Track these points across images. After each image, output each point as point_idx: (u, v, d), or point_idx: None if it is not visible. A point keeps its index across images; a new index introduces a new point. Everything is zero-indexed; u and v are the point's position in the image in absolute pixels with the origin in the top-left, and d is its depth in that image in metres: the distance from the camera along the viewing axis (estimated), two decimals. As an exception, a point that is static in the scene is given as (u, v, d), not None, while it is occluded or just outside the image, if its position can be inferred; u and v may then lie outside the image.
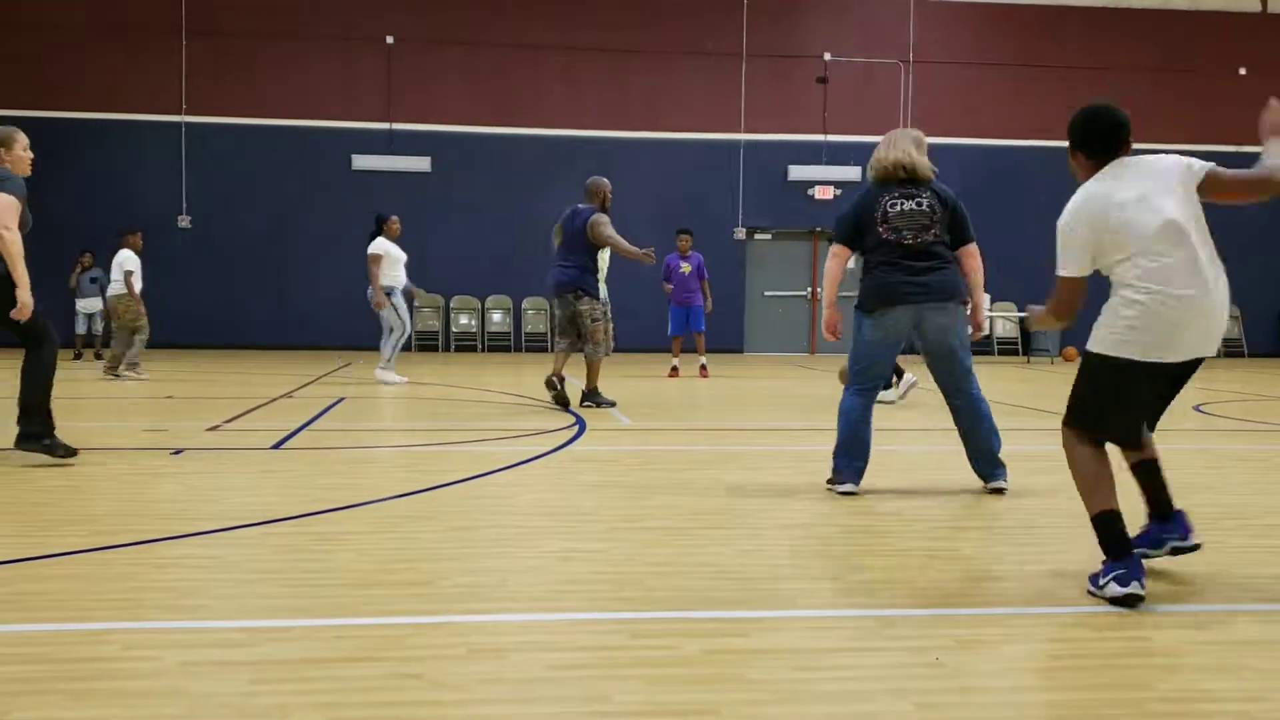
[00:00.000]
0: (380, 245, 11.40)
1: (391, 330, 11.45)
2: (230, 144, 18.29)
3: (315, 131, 18.54)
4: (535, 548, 4.05)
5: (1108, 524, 3.41)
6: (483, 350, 19.14)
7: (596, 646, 2.93)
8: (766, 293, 19.80)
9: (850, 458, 5.19)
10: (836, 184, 19.45)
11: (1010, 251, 20.39)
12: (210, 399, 9.88)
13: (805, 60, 19.49)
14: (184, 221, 18.09)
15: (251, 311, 18.04)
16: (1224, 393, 11.93)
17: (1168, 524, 3.69)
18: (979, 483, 5.36)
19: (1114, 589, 3.29)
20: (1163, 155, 3.59)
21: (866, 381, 5.31)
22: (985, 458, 5.30)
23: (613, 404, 9.14)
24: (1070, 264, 3.56)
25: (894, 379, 9.32)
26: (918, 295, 5.10)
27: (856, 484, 5.18)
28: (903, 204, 5.20)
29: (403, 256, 11.52)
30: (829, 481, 5.27)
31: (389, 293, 11.35)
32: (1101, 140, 3.60)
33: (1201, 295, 3.38)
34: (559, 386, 8.91)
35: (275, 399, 9.68)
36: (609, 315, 9.48)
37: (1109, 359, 3.45)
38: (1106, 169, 3.56)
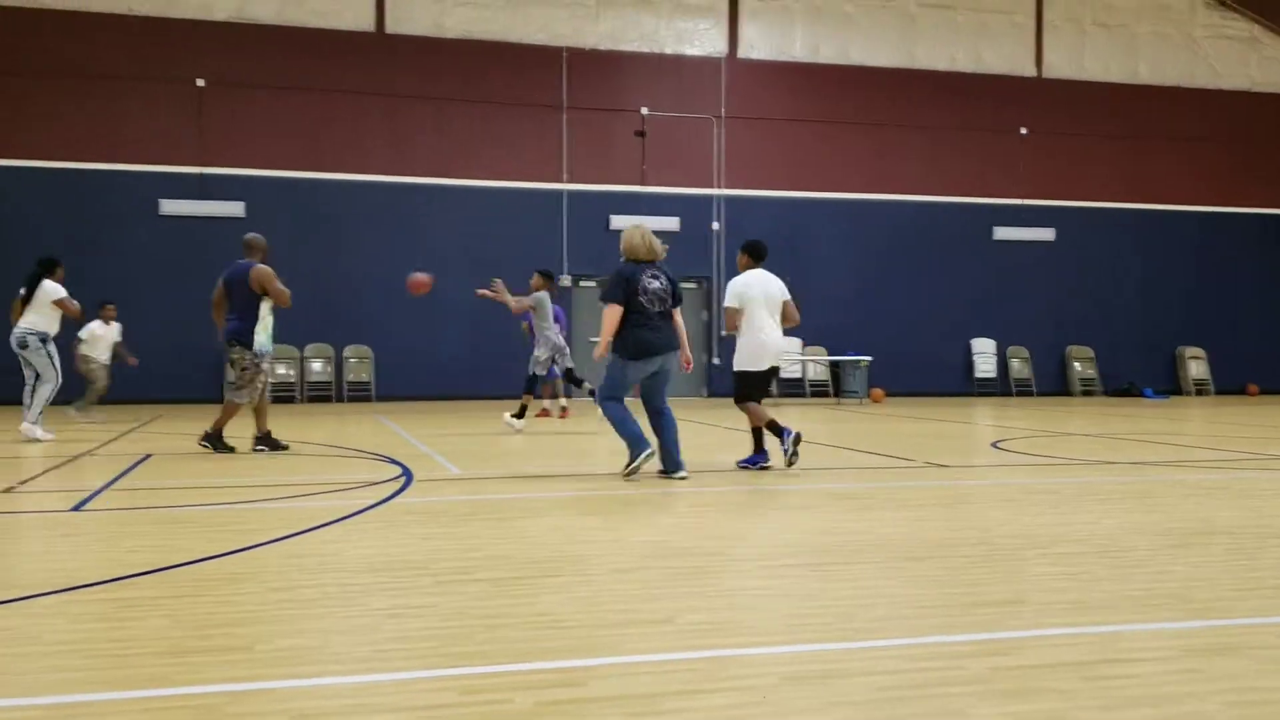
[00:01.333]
0: (58, 290, 10.86)
1: (30, 377, 10.77)
2: (24, 187, 17.24)
3: (120, 175, 17.70)
4: (362, 606, 3.94)
5: None
6: (302, 400, 18.55)
7: (426, 706, 2.88)
8: (592, 338, 19.93)
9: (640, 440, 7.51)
10: (656, 233, 19.84)
11: (811, 298, 21.35)
12: (5, 459, 9.20)
13: (624, 114, 19.94)
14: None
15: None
16: (1017, 429, 12.75)
17: None
18: (800, 522, 5.54)
19: None
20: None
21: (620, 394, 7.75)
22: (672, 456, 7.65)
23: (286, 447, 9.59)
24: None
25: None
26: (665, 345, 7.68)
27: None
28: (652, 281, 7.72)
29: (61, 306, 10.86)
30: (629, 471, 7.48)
31: (43, 340, 10.71)
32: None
33: None
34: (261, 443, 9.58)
35: (76, 457, 9.10)
36: (261, 365, 9.77)
37: None
38: None
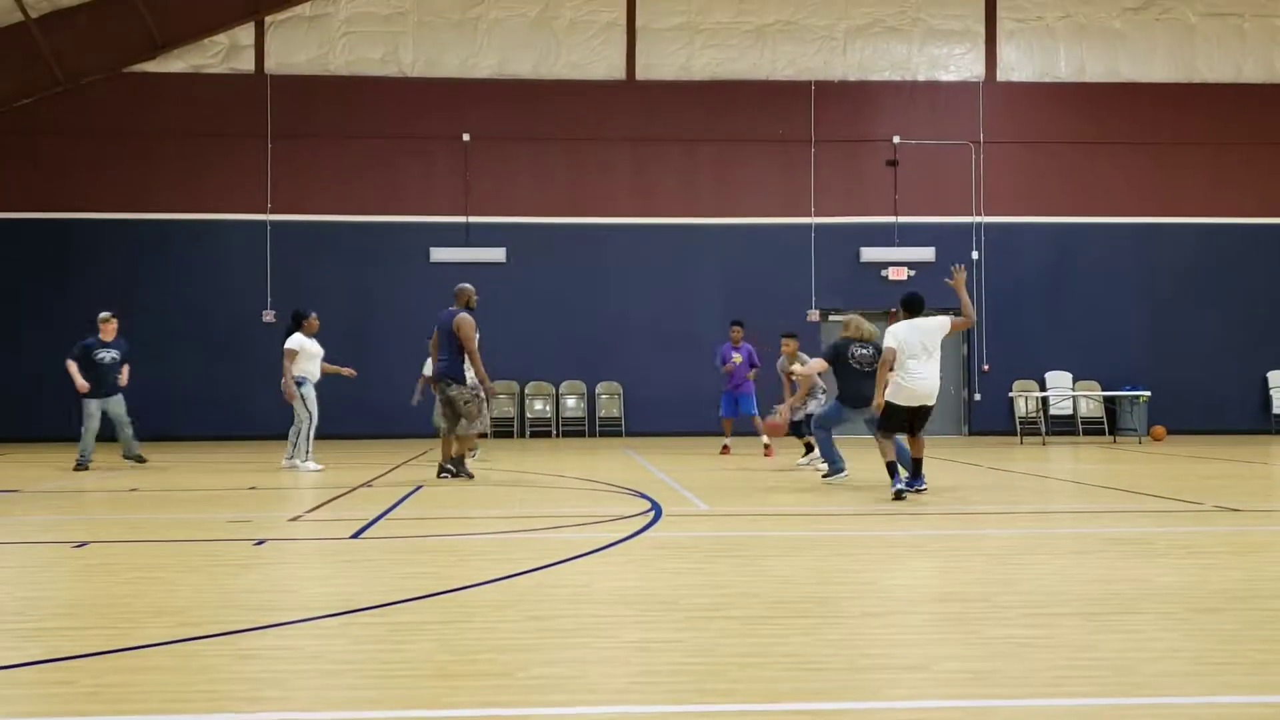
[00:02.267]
0: (296, 340, 11.80)
1: (300, 421, 11.78)
2: (313, 240, 18.89)
3: (396, 227, 19.09)
4: (613, 638, 4.00)
5: None
6: (557, 435, 19.23)
7: (679, 740, 2.87)
8: (827, 373, 19.64)
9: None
10: (910, 264, 19.38)
11: (1083, 329, 20.08)
12: (292, 489, 10.03)
13: (874, 144, 19.60)
14: (268, 316, 18.63)
15: (333, 402, 18.29)
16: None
17: None
18: (1072, 569, 5.19)
19: None
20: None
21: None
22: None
23: (471, 476, 10.35)
24: None
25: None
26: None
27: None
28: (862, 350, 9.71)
29: (319, 352, 11.97)
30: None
31: (299, 383, 11.70)
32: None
33: None
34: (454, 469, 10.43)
35: (355, 488, 9.80)
36: (480, 395, 10.49)
37: None
38: None
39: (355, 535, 6.77)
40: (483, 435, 11.01)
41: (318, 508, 8.28)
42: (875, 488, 9.62)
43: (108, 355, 12.15)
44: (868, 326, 9.89)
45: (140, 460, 12.28)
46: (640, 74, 19.54)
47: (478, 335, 10.51)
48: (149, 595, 4.85)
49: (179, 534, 6.75)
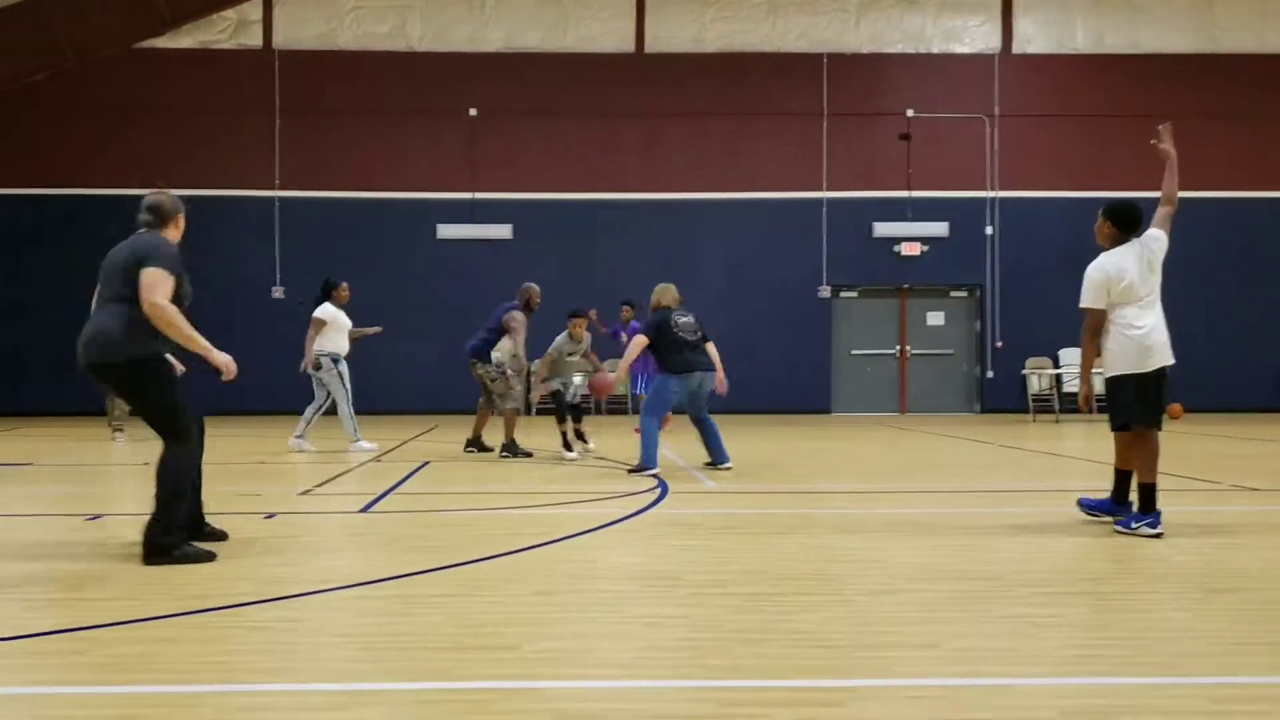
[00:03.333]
0: (325, 311, 11.26)
1: (321, 397, 11.20)
2: (321, 216, 18.85)
3: (403, 203, 19.03)
4: (619, 613, 4.00)
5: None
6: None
7: (683, 715, 2.87)
8: (854, 351, 19.58)
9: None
10: (923, 240, 19.27)
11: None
12: (301, 464, 10.05)
13: (888, 117, 19.44)
14: (277, 292, 18.62)
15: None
16: None
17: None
18: (1086, 548, 5.16)
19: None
20: None
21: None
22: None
23: (529, 454, 10.54)
24: None
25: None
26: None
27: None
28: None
29: (348, 324, 11.41)
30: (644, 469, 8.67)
31: (335, 360, 11.15)
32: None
33: None
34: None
35: (363, 463, 9.82)
36: (506, 374, 10.84)
37: None
38: None
39: (364, 509, 6.78)
40: (517, 411, 11.13)
41: (327, 482, 8.29)
42: (896, 471, 9.60)
43: None
44: (675, 292, 9.80)
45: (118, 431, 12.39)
46: (650, 46, 19.40)
47: (524, 334, 10.95)
48: (160, 567, 4.85)
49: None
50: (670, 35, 19.41)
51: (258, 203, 18.81)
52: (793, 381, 19.04)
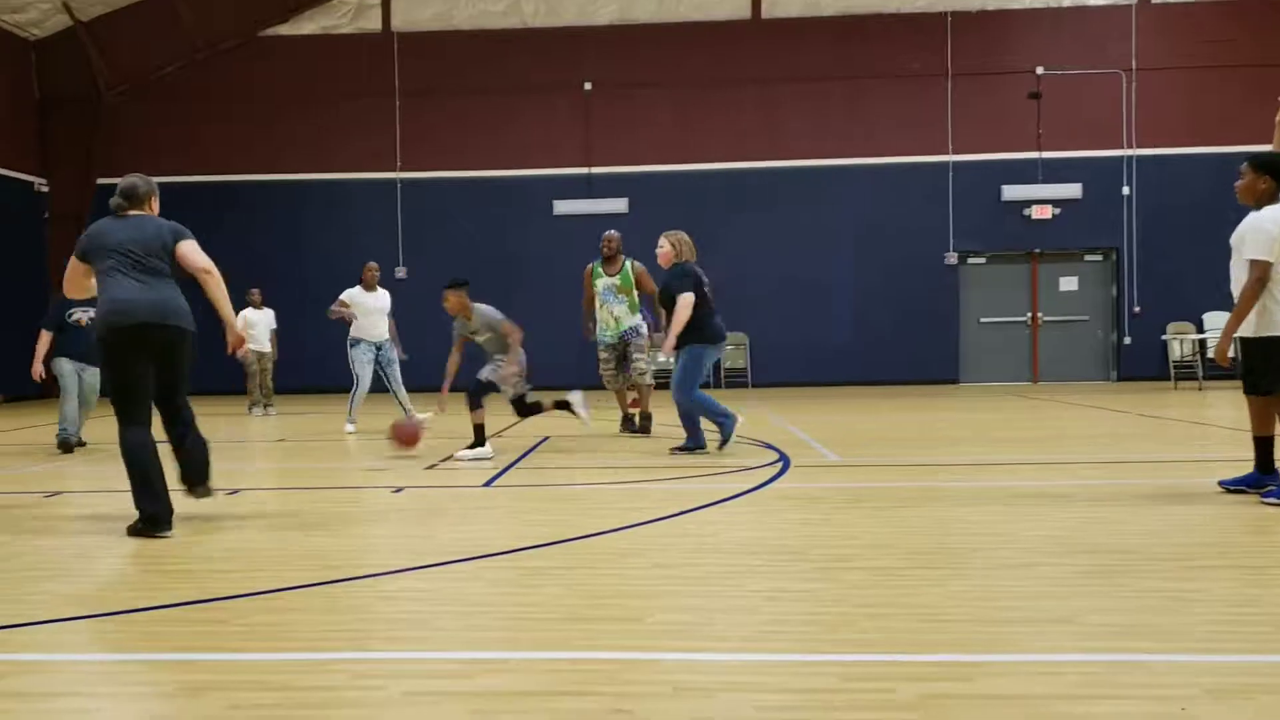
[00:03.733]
0: (347, 294, 11.07)
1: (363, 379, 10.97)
2: (440, 196, 19.21)
3: (520, 180, 19.24)
4: (740, 587, 3.98)
5: None
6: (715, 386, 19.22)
7: (807, 689, 2.84)
8: (983, 319, 19.06)
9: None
10: (1055, 202, 18.60)
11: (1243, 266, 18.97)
12: (427, 439, 10.27)
13: (1016, 75, 18.76)
14: (401, 272, 19.10)
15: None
16: None
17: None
18: (1189, 514, 4.93)
19: None
20: None
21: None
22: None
23: (636, 431, 10.09)
24: None
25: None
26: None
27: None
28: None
29: (378, 306, 11.04)
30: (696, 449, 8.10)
31: (352, 344, 10.96)
32: None
33: None
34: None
35: (487, 438, 9.98)
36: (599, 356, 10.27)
37: None
38: None
39: (487, 484, 6.92)
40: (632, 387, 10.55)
41: (451, 457, 8.47)
42: (1027, 441, 9.35)
43: (84, 315, 9.52)
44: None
45: (77, 445, 9.49)
46: (766, 12, 19.13)
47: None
48: (296, 540, 5.04)
49: (322, 481, 7.01)
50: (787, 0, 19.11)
51: (380, 185, 19.27)
52: (919, 351, 18.67)
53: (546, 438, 10.03)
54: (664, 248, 8.57)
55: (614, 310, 10.17)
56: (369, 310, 10.96)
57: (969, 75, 18.76)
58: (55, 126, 18.96)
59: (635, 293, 10.13)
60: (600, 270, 10.25)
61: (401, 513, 5.89)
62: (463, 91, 19.16)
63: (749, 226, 19.05)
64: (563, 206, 19.12)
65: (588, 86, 19.08)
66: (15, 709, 2.78)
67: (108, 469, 7.76)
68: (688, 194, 19.03)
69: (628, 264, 10.23)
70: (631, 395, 10.47)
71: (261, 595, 3.92)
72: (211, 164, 19.09)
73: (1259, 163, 5.67)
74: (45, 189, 18.71)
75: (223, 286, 5.43)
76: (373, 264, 11.42)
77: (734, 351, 19.23)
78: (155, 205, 5.78)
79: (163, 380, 5.40)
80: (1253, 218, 5.59)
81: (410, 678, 2.96)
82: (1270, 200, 5.61)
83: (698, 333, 8.09)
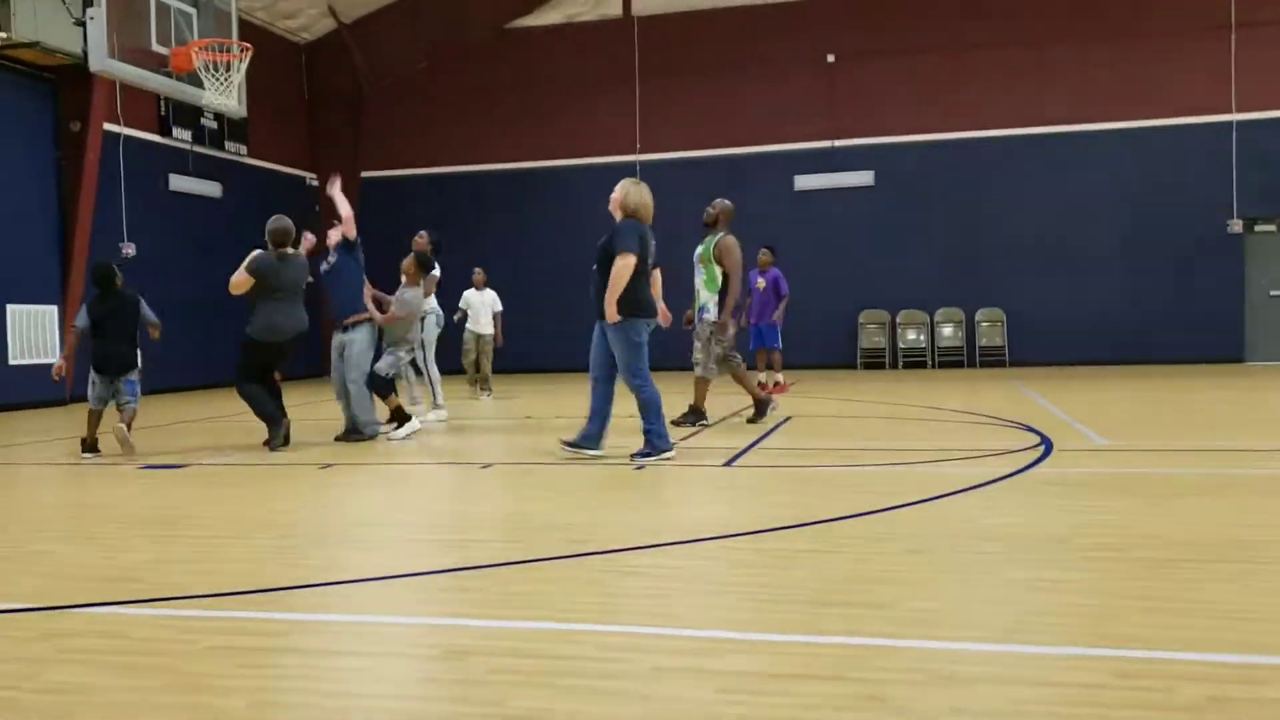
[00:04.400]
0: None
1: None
2: (679, 175, 19.32)
3: (760, 157, 19.10)
4: (1000, 575, 3.77)
5: None
6: (933, 366, 18.60)
7: (1072, 684, 2.64)
8: (1273, 293, 17.34)
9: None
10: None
11: None
12: (671, 416, 10.38)
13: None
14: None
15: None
16: None
17: None
18: None
19: None
20: None
21: None
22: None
23: (705, 424, 9.12)
24: None
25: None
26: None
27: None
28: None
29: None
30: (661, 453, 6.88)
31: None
32: None
33: None
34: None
35: (725, 418, 10.01)
36: (713, 337, 9.06)
37: None
38: None
39: (728, 463, 6.90)
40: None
41: (690, 436, 8.52)
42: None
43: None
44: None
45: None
46: (1025, -31, 18.13)
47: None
48: (545, 512, 5.20)
49: (565, 457, 7.20)
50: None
51: (619, 168, 19.62)
52: (1197, 327, 17.27)
53: (789, 417, 9.93)
54: (615, 194, 7.11)
55: (695, 282, 9.26)
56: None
57: (1256, 26, 17.06)
58: (322, 124, 20.46)
59: (715, 266, 9.07)
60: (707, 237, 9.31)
61: (644, 489, 5.97)
62: (701, 71, 19.23)
63: (1003, 196, 18.16)
64: (804, 181, 18.84)
65: (830, 59, 18.68)
66: (297, 664, 2.99)
67: (371, 450, 8.31)
68: (938, 165, 18.35)
69: (719, 236, 9.14)
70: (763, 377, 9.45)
71: (516, 565, 4.06)
72: (461, 155, 20.05)
73: None
74: (314, 183, 20.25)
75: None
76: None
77: (990, 328, 18.40)
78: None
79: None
80: None
81: (656, 653, 2.97)
82: None
83: (633, 303, 6.81)
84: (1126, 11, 17.59)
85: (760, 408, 9.39)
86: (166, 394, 14.93)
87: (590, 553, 4.25)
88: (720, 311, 8.96)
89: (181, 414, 11.88)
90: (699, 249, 9.31)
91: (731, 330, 9.00)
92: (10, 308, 13.31)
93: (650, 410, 6.94)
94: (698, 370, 9.16)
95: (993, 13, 18.10)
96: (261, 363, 8.29)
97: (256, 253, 8.25)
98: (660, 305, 7.52)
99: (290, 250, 8.35)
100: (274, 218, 8.39)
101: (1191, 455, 6.89)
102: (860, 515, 4.91)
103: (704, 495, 5.76)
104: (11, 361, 13.26)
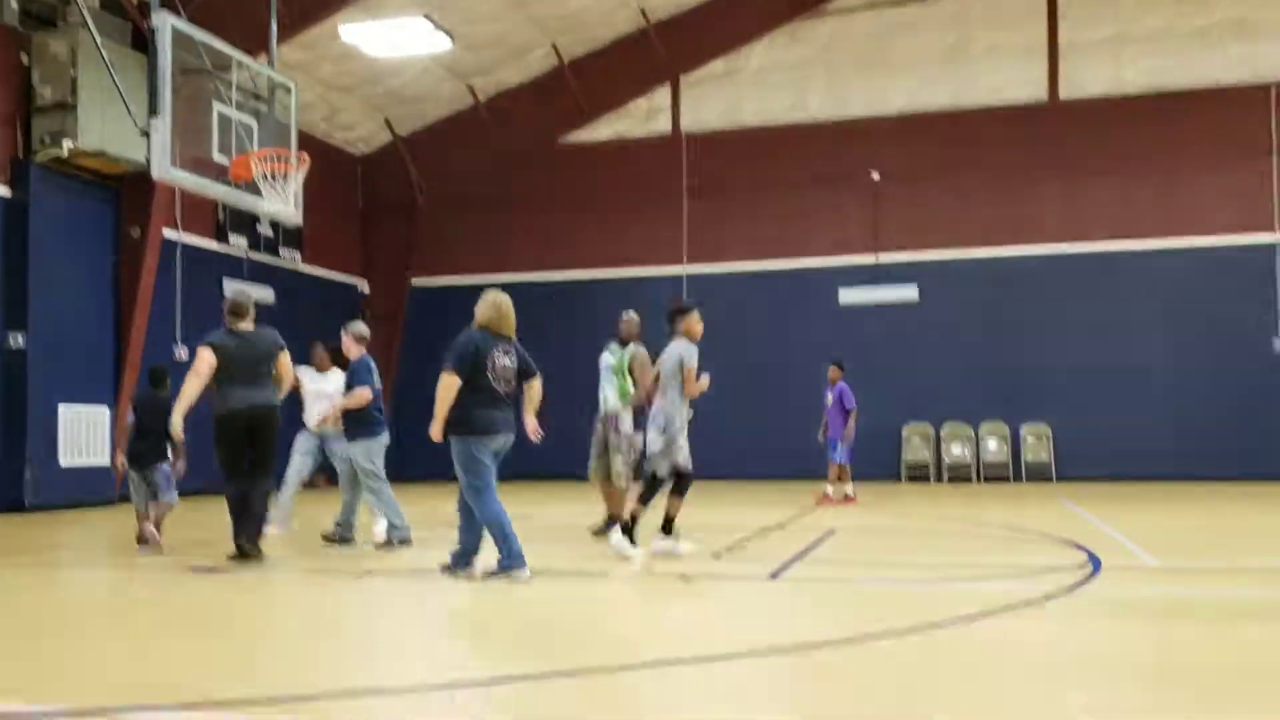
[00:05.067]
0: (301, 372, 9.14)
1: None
2: (725, 288, 19.46)
3: (804, 271, 19.21)
4: (1052, 699, 3.63)
5: None
6: (977, 480, 18.30)
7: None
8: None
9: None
10: None
11: None
12: (709, 525, 10.26)
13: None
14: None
15: (736, 443, 18.66)
16: None
17: None
18: None
19: None
20: None
21: None
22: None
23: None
24: None
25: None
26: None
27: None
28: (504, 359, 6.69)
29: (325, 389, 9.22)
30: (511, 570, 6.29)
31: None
32: None
33: None
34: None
35: (768, 529, 9.87)
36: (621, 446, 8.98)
37: None
38: None
39: (773, 576, 6.77)
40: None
41: (734, 546, 8.40)
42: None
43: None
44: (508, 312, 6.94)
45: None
46: (1064, 93, 18.36)
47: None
48: (588, 619, 5.10)
49: (611, 565, 7.11)
50: (1086, 79, 18.26)
51: (666, 281, 19.82)
52: (1246, 445, 16.88)
53: (833, 530, 9.77)
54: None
55: (603, 388, 9.30)
56: (317, 394, 9.26)
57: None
58: (375, 233, 20.94)
59: (627, 379, 9.14)
60: (613, 347, 9.38)
61: (690, 600, 5.86)
62: (748, 186, 19.50)
63: (1050, 312, 18.08)
64: (848, 295, 18.88)
65: (875, 176, 18.90)
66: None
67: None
68: (983, 279, 18.35)
69: (631, 347, 9.22)
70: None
71: (560, 677, 3.97)
72: (513, 264, 20.35)
73: None
74: (366, 290, 20.62)
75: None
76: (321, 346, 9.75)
77: (1036, 444, 18.14)
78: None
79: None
80: None
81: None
82: None
83: (459, 422, 6.50)
84: (1169, 131, 17.71)
85: (611, 522, 8.85)
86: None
87: (645, 664, 4.16)
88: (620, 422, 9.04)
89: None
90: (610, 360, 9.30)
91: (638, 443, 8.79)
92: (63, 407, 13.55)
93: (493, 532, 6.49)
94: (620, 481, 8.93)
95: (1035, 134, 18.29)
96: (232, 450, 7.45)
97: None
98: (531, 421, 6.89)
99: (247, 326, 7.74)
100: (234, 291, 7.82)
101: (1247, 575, 6.66)
102: (907, 633, 4.78)
103: (749, 607, 5.64)
104: (63, 463, 13.43)
